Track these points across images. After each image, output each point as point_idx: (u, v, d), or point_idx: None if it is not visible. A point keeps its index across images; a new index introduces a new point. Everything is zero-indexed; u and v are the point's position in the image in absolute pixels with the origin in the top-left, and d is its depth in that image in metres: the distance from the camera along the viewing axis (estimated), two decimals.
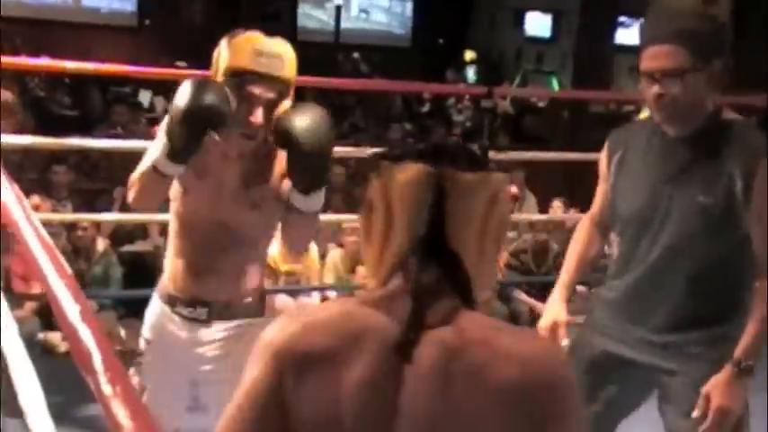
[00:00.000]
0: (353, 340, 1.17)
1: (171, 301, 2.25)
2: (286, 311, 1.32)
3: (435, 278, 1.17)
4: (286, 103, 2.10)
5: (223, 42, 2.10)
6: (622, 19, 11.82)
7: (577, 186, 7.46)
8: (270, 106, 2.08)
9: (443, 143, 1.23)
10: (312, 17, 13.53)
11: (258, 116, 2.06)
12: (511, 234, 5.73)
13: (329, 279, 5.15)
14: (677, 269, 2.08)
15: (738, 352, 2.01)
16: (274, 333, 1.22)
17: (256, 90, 2.05)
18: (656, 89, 2.00)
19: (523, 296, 5.45)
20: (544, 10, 14.85)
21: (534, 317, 5.30)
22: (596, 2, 9.46)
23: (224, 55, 2.08)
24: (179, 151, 2.04)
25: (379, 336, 1.16)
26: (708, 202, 2.01)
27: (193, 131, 2.02)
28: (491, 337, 1.15)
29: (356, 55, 12.73)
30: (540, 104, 10.83)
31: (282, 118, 2.05)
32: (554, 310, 2.28)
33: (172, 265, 2.26)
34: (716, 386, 2.02)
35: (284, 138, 2.03)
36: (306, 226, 2.19)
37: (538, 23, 15.17)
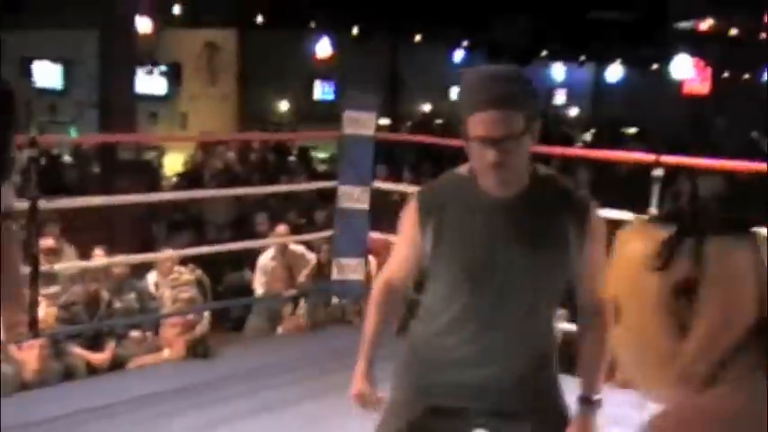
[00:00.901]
0: None
1: None
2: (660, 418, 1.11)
3: None
4: None
5: None
6: (142, 67, 12.03)
7: (116, 233, 7.44)
8: None
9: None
10: None
11: None
12: (54, 289, 5.55)
13: None
14: (516, 320, 2.12)
15: (587, 389, 2.18)
16: None
17: None
18: (492, 154, 1.98)
19: (78, 349, 5.29)
20: (53, 60, 14.50)
21: (91, 369, 5.19)
22: (112, 51, 9.53)
23: None
24: None
25: None
26: (546, 256, 2.09)
27: None
28: None
29: None
30: (66, 156, 10.55)
31: None
32: (359, 383, 2.24)
33: None
34: (581, 425, 2.16)
35: None
36: None
37: (48, 74, 14.74)
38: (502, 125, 1.96)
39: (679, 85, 22.31)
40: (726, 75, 23.04)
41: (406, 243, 2.22)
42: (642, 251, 1.13)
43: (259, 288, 6.39)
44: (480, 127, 1.98)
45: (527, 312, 2.13)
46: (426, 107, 25.60)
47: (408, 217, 2.19)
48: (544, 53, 24.71)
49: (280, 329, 6.07)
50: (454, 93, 26.19)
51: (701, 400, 1.10)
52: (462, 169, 2.17)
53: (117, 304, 5.64)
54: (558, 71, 26.22)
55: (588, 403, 2.17)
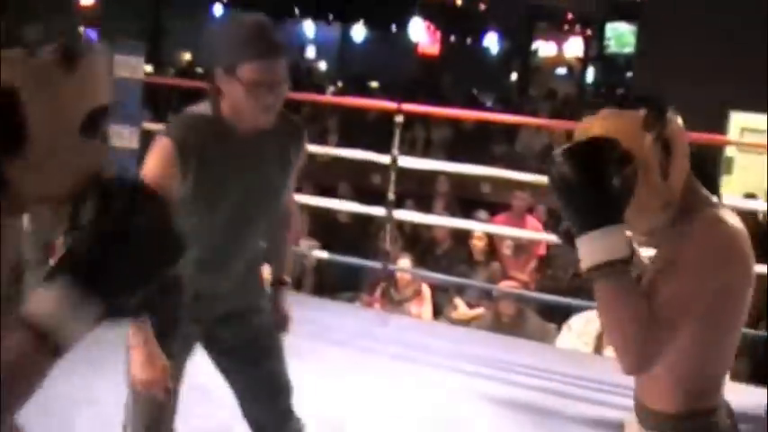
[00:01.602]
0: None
1: None
2: None
3: None
4: None
5: None
6: None
7: None
8: None
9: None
10: None
11: None
12: None
13: None
14: (250, 236, 2.26)
15: (281, 272, 2.45)
16: None
17: None
18: (270, 98, 2.04)
19: None
20: None
21: None
22: None
23: None
24: None
25: None
26: (281, 179, 2.24)
27: None
28: None
29: None
30: None
31: None
32: (151, 368, 2.02)
33: None
34: (279, 301, 2.43)
35: None
36: None
37: None
38: (278, 72, 2.04)
39: (415, 46, 23.21)
40: (453, 39, 24.26)
41: (164, 178, 2.07)
42: (630, 123, 1.48)
43: (26, 223, 6.03)
44: (259, 74, 2.01)
45: (258, 227, 2.28)
46: (187, 56, 24.87)
47: (163, 162, 2.02)
48: (297, 11, 24.74)
49: (52, 261, 5.78)
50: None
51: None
52: (201, 109, 2.13)
53: None
54: (308, 28, 26.33)
55: (283, 283, 2.45)
